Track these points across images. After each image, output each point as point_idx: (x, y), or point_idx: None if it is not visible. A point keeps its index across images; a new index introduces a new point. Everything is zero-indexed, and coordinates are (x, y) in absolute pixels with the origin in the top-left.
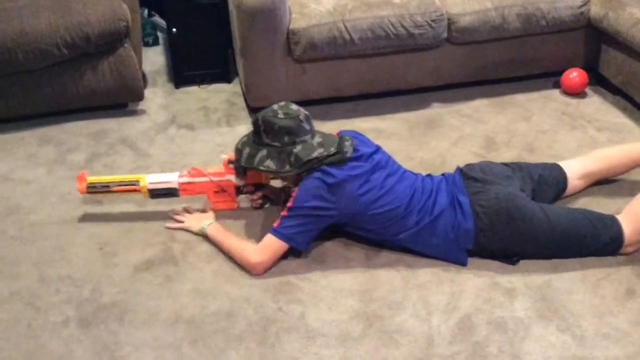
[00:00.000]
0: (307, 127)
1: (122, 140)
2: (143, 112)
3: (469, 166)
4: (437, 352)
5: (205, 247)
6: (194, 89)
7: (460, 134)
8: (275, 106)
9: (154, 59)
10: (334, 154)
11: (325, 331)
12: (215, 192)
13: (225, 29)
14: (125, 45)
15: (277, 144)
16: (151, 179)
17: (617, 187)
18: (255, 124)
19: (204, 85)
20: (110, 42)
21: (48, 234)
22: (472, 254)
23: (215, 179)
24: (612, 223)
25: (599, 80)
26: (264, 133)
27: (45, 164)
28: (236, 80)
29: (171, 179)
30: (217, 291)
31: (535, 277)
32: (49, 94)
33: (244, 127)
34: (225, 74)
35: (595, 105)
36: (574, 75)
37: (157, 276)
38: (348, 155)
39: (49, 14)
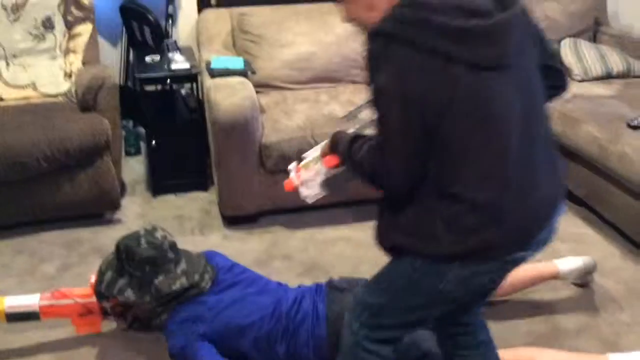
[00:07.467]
0: (171, 255)
1: (96, 250)
2: (119, 221)
3: (339, 279)
4: None
5: None
6: (171, 197)
7: None
8: (141, 231)
9: (136, 167)
10: (191, 289)
11: None
12: (80, 314)
13: (204, 139)
14: (104, 157)
15: (138, 273)
16: (10, 302)
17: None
18: (117, 250)
19: (179, 194)
20: (89, 155)
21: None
22: None
23: (81, 300)
24: None
25: None
26: (125, 261)
27: (17, 275)
28: (212, 188)
29: (31, 301)
30: None
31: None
32: (26, 205)
33: (217, 236)
34: (202, 183)
35: None
36: None
37: None
38: (206, 289)
39: (32, 129)
